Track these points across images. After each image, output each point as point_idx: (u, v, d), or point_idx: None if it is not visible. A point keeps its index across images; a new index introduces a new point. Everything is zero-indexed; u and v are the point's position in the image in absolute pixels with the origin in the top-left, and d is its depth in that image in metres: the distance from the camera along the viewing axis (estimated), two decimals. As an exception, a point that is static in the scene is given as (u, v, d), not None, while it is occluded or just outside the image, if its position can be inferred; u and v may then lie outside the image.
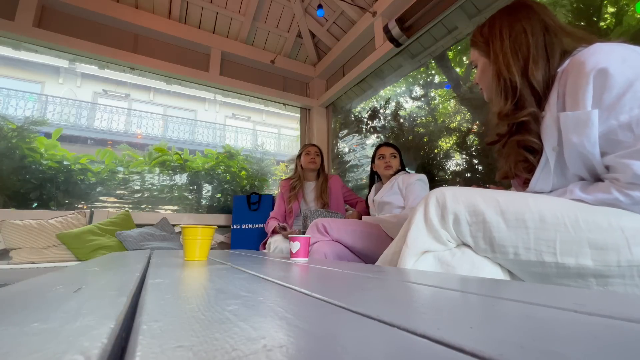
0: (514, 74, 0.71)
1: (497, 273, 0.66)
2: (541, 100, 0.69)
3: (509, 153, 0.76)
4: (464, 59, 2.14)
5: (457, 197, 0.66)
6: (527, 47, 0.70)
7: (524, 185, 0.76)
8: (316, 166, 2.13)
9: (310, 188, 2.13)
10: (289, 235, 0.96)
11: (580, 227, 0.56)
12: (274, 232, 1.95)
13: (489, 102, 0.85)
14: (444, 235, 0.68)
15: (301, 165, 2.14)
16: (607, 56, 0.56)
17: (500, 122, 0.76)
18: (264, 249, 2.01)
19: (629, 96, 0.54)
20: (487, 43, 0.78)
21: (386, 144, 1.81)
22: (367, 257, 1.40)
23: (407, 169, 1.81)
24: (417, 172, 1.79)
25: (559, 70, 0.66)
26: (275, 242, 1.86)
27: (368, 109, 2.80)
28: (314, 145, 2.21)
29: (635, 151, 0.54)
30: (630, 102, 0.53)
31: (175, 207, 2.75)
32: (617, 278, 0.54)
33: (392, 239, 1.31)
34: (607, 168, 0.60)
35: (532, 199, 0.62)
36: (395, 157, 1.75)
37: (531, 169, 0.71)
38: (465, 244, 0.68)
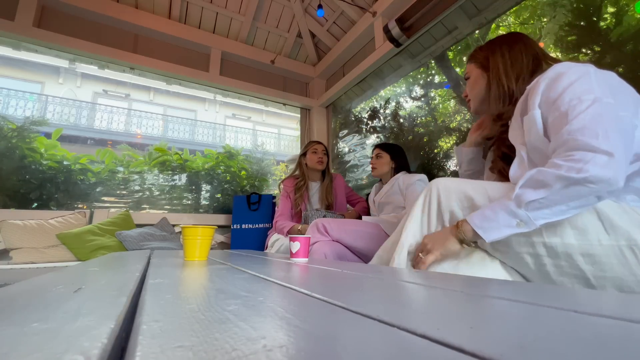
0: (512, 80, 0.83)
1: (494, 267, 0.71)
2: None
3: (495, 149, 0.89)
4: (464, 59, 2.14)
5: (449, 189, 0.76)
6: (520, 65, 0.83)
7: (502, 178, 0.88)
8: (323, 166, 2.00)
9: (315, 189, 2.02)
10: (289, 236, 0.96)
11: None
12: (289, 232, 1.83)
13: (474, 114, 0.98)
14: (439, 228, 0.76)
15: (306, 164, 2.02)
16: (556, 69, 0.67)
17: (496, 123, 0.88)
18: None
19: (569, 91, 0.63)
20: (487, 57, 0.90)
21: (376, 145, 1.77)
22: (367, 257, 1.40)
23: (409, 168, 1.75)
24: (417, 172, 1.77)
25: (529, 86, 0.76)
26: (280, 241, 1.79)
27: (368, 109, 2.80)
28: (320, 142, 2.06)
29: (566, 130, 0.61)
30: (570, 96, 0.63)
31: (175, 207, 2.74)
32: (603, 257, 0.59)
33: None
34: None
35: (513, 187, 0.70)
36: (380, 157, 1.70)
37: (509, 163, 0.82)
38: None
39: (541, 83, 0.68)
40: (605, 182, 0.55)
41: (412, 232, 0.79)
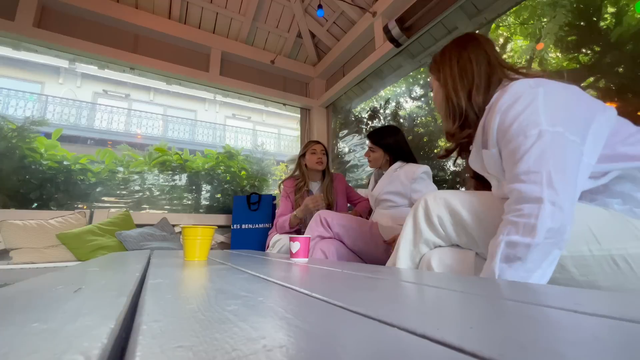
0: (461, 97, 0.79)
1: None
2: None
3: (466, 167, 0.88)
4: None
5: (437, 200, 0.76)
6: (472, 74, 0.79)
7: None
8: (323, 166, 1.98)
9: (316, 189, 2.01)
10: (289, 236, 0.95)
11: None
12: (290, 222, 1.81)
13: (443, 121, 0.95)
14: (432, 239, 0.76)
15: (305, 165, 2.00)
16: (508, 97, 0.65)
17: (448, 140, 0.86)
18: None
19: (515, 126, 0.62)
20: (439, 69, 0.86)
21: (368, 135, 1.66)
22: (367, 257, 1.40)
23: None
24: None
25: (487, 106, 0.73)
26: (282, 241, 1.76)
27: (368, 109, 2.80)
28: (319, 142, 2.03)
29: (513, 175, 0.60)
30: (516, 132, 0.61)
31: (175, 207, 2.74)
32: (595, 267, 0.58)
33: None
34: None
35: (499, 199, 0.69)
36: (372, 150, 1.61)
37: (483, 180, 0.81)
38: (454, 244, 0.76)
39: (496, 116, 0.66)
40: (555, 232, 0.54)
41: (404, 257, 0.79)
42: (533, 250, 0.55)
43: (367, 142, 1.65)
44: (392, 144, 1.59)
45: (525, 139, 0.60)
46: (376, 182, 1.62)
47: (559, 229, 0.54)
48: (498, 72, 0.77)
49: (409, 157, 1.58)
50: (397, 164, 1.55)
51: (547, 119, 0.59)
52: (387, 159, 1.59)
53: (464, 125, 0.81)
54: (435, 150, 2.10)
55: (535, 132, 0.59)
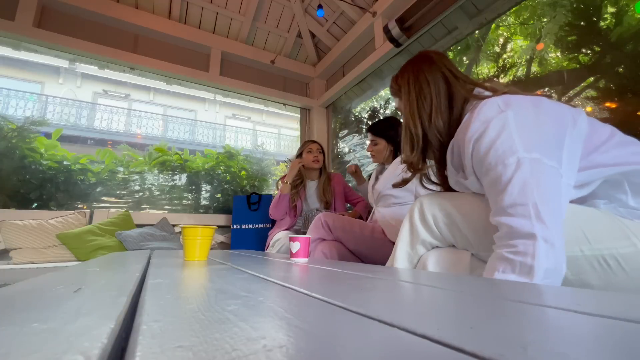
0: (418, 126, 0.77)
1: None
2: (445, 144, 0.76)
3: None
4: (464, 59, 2.14)
5: (432, 202, 0.76)
6: (430, 96, 0.76)
7: None
8: (320, 165, 2.02)
9: (313, 188, 2.03)
10: (289, 236, 0.95)
11: None
12: (282, 194, 1.85)
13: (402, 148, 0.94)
14: (428, 240, 0.77)
15: (302, 165, 2.03)
16: (477, 124, 0.63)
17: (408, 169, 0.84)
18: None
19: (491, 154, 0.60)
20: (400, 93, 0.84)
21: (369, 129, 1.64)
22: (369, 261, 1.39)
23: None
24: None
25: (457, 130, 0.70)
26: (281, 241, 1.77)
27: (368, 109, 2.80)
28: (315, 142, 2.08)
29: (499, 208, 0.59)
30: (494, 160, 0.60)
31: (175, 207, 2.74)
32: (587, 267, 0.58)
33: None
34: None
35: None
36: (375, 144, 1.58)
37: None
38: (451, 245, 0.76)
39: (468, 145, 0.64)
40: (552, 272, 0.53)
41: (401, 258, 0.80)
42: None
43: (369, 136, 1.61)
44: (394, 135, 1.56)
45: (504, 167, 0.58)
46: (377, 178, 1.59)
47: (555, 268, 0.53)
48: (458, 89, 0.75)
49: None
50: (400, 157, 1.52)
51: (522, 145, 0.58)
52: (391, 149, 1.55)
53: (424, 152, 0.80)
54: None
55: (514, 160, 0.58)
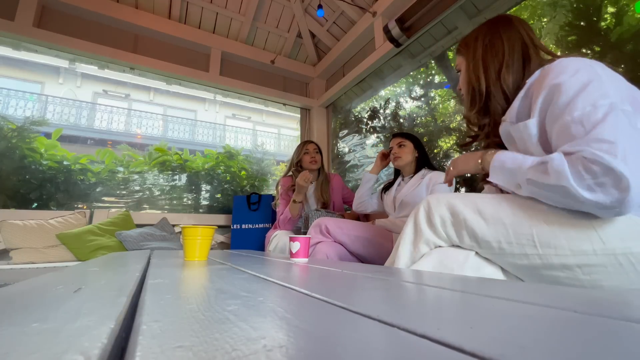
0: (482, 82, 0.77)
1: (482, 266, 0.71)
2: (509, 104, 0.76)
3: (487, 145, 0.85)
4: (464, 59, 2.14)
5: (440, 201, 0.75)
6: (502, 53, 0.77)
7: (498, 189, 0.84)
8: (318, 165, 2.02)
9: (312, 188, 2.03)
10: (289, 235, 0.95)
11: (552, 221, 0.61)
12: (294, 216, 1.83)
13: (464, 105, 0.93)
14: (432, 239, 0.75)
15: (301, 165, 2.03)
16: (562, 70, 0.64)
17: (467, 126, 0.85)
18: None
19: (582, 96, 0.60)
20: (466, 50, 0.85)
21: (394, 134, 1.65)
22: (368, 262, 1.39)
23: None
24: None
25: (528, 81, 0.72)
26: (278, 237, 1.77)
27: (368, 109, 2.80)
28: (312, 142, 2.08)
29: (584, 140, 0.57)
30: (583, 102, 0.59)
31: (175, 207, 2.74)
32: (599, 267, 0.58)
33: None
34: None
35: (505, 200, 0.69)
36: (403, 146, 1.56)
37: None
38: (455, 245, 0.75)
39: (544, 87, 0.64)
40: (610, 211, 0.53)
41: (403, 257, 0.79)
42: (570, 199, 0.56)
43: (395, 139, 1.62)
44: (420, 145, 1.61)
45: (594, 109, 0.57)
46: (397, 188, 1.60)
47: (615, 210, 0.53)
48: (534, 54, 0.74)
49: (431, 164, 1.58)
50: (424, 171, 1.53)
51: (614, 93, 0.58)
52: (416, 156, 1.58)
53: (484, 111, 0.79)
54: (435, 150, 2.10)
55: (607, 102, 0.57)
